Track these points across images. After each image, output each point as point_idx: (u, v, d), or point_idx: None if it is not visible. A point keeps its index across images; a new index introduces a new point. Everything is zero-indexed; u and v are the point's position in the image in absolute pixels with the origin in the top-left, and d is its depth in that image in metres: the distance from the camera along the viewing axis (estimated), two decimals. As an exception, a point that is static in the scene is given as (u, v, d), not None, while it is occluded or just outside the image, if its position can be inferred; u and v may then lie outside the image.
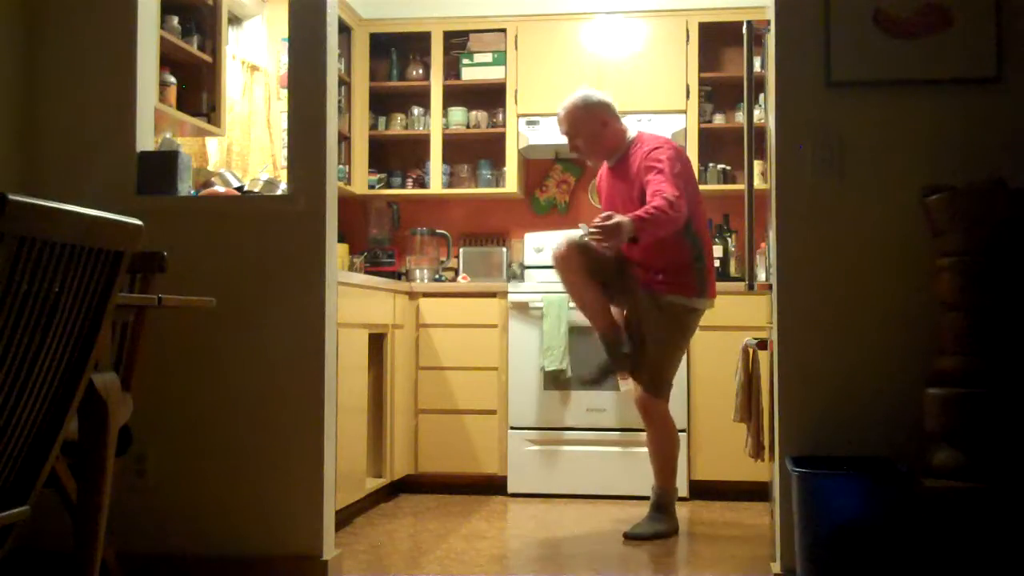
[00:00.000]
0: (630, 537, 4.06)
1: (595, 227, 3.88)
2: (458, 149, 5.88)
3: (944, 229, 2.89)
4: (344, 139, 5.66)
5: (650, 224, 3.92)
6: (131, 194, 3.38)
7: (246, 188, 3.89)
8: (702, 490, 4.99)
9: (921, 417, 2.89)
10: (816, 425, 3.11)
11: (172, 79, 4.18)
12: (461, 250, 5.80)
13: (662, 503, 4.17)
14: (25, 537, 2.50)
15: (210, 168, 4.82)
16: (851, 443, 3.06)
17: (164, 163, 3.42)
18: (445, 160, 5.79)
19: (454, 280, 5.67)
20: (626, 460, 4.91)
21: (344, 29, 5.55)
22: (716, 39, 5.63)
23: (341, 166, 5.55)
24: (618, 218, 3.87)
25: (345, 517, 4.24)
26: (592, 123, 4.22)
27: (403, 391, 5.02)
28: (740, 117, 5.62)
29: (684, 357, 4.47)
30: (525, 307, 5.12)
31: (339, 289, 3.52)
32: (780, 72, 3.21)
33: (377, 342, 4.70)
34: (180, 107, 4.22)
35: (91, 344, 1.92)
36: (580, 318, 4.98)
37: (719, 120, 5.67)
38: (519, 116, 5.63)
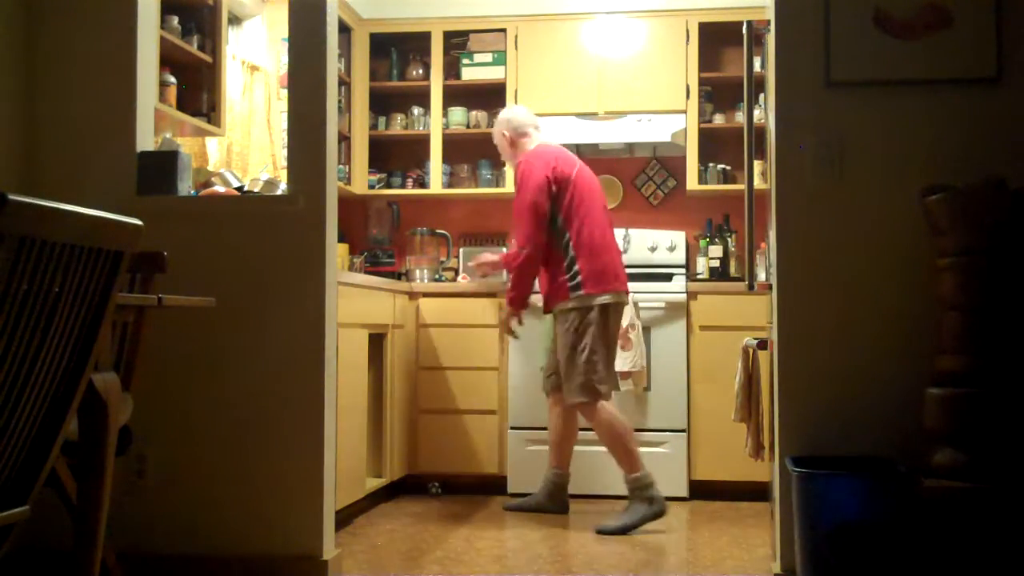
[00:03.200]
0: (600, 532, 4.21)
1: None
2: (458, 149, 5.88)
3: (944, 229, 2.89)
4: (344, 139, 5.66)
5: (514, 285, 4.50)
6: (131, 194, 3.38)
7: (246, 188, 3.89)
8: (702, 490, 4.99)
9: (921, 417, 2.89)
10: (816, 425, 3.11)
11: (172, 79, 4.18)
12: (461, 250, 5.80)
13: (633, 489, 4.30)
14: (25, 537, 2.49)
15: (210, 168, 4.81)
16: (851, 443, 3.06)
17: (164, 163, 3.42)
18: (445, 160, 5.79)
19: (454, 280, 5.66)
20: (626, 460, 4.91)
21: (344, 29, 5.55)
22: (716, 39, 5.62)
23: (341, 166, 5.55)
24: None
25: (345, 517, 4.24)
26: (497, 136, 4.73)
27: (403, 391, 5.02)
28: (740, 117, 5.61)
29: (596, 356, 4.35)
30: (525, 307, 5.10)
31: (339, 289, 3.52)
32: (780, 72, 3.21)
33: (377, 342, 4.70)
34: (180, 107, 4.22)
35: (91, 344, 1.92)
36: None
37: (719, 120, 5.67)
38: (519, 116, 5.62)
